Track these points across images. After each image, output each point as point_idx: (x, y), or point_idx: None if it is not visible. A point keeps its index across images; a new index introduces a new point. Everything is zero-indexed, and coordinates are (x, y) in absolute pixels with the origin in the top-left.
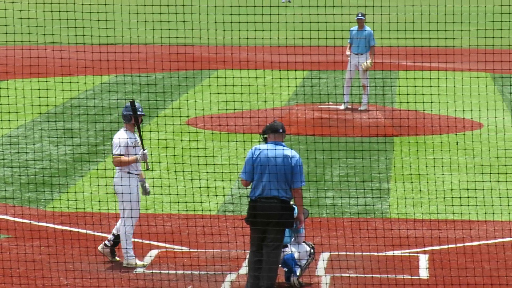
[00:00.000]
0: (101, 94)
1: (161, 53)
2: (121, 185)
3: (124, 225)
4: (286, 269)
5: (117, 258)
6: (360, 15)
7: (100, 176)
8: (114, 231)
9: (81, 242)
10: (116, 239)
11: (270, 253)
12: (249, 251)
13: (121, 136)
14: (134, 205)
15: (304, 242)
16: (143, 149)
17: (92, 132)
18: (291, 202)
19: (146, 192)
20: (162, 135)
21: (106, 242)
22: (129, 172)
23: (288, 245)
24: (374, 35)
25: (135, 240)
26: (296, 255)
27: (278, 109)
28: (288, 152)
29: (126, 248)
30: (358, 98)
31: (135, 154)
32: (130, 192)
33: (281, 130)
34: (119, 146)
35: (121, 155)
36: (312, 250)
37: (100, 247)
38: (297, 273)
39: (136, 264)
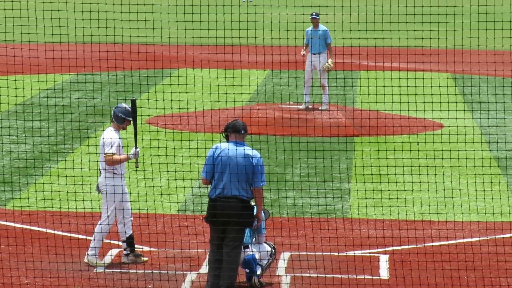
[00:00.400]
0: (61, 93)
1: (121, 51)
2: (113, 185)
3: (101, 224)
4: (248, 270)
5: (145, 258)
6: (314, 14)
7: (61, 175)
8: (122, 238)
9: (41, 241)
10: (129, 240)
11: (230, 252)
12: (209, 251)
13: (113, 136)
14: (118, 205)
15: (265, 242)
16: (136, 147)
17: (52, 131)
18: (252, 202)
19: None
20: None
21: (124, 251)
22: (114, 173)
23: (249, 245)
24: (335, 34)
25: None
26: (257, 255)
27: (239, 109)
28: (249, 151)
29: (94, 247)
30: (318, 98)
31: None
32: (115, 192)
33: (242, 132)
34: (112, 145)
35: (114, 154)
36: (273, 250)
37: (124, 260)
38: (258, 273)
39: (96, 263)
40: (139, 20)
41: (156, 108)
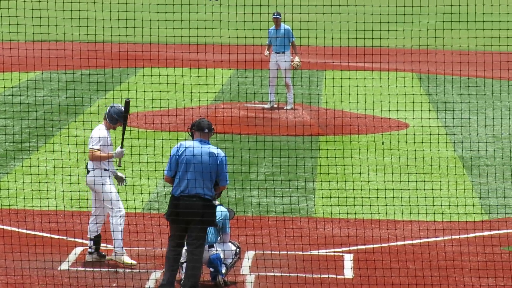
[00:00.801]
0: (26, 91)
1: (87, 50)
2: (102, 183)
3: (116, 218)
4: (212, 269)
5: (108, 257)
6: (276, 14)
7: (25, 173)
8: (89, 235)
9: (5, 239)
10: (97, 238)
11: (194, 251)
12: (167, 247)
13: (102, 133)
14: (117, 197)
15: (230, 241)
16: (122, 147)
17: (17, 129)
18: (217, 202)
19: (122, 181)
20: (87, 132)
21: (89, 249)
22: (104, 169)
23: (214, 244)
24: (301, 34)
25: (60, 237)
26: (221, 255)
27: (204, 108)
28: (214, 150)
29: (120, 244)
30: (284, 97)
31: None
32: (111, 183)
33: (206, 130)
34: (99, 141)
35: (98, 149)
36: (237, 250)
37: (88, 258)
38: (223, 272)
39: (124, 260)
40: (105, 19)
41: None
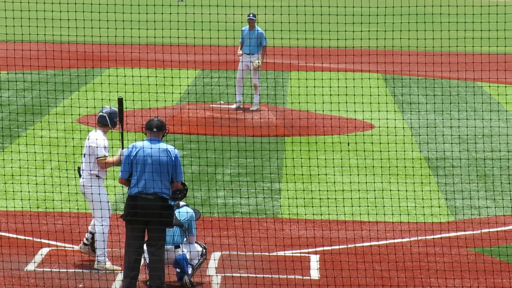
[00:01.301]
0: None
1: (52, 50)
2: (98, 187)
3: (98, 233)
4: (179, 270)
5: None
6: (251, 15)
7: None
8: (90, 229)
9: None
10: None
11: (155, 252)
12: (126, 251)
13: (104, 139)
14: (105, 206)
15: (196, 242)
16: (122, 148)
17: None
18: (183, 203)
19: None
20: (53, 133)
21: (85, 240)
22: (98, 176)
23: (180, 245)
24: (266, 34)
25: (27, 238)
26: (188, 255)
27: (170, 108)
28: (166, 147)
29: (103, 253)
30: (250, 97)
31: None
32: (100, 193)
33: (155, 129)
34: (105, 149)
35: (106, 157)
36: (204, 251)
37: (81, 247)
38: (189, 273)
39: (106, 267)
40: (70, 19)
41: (87, 107)
